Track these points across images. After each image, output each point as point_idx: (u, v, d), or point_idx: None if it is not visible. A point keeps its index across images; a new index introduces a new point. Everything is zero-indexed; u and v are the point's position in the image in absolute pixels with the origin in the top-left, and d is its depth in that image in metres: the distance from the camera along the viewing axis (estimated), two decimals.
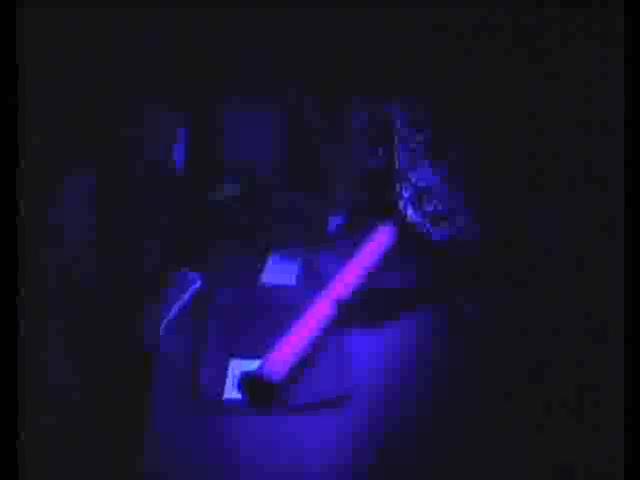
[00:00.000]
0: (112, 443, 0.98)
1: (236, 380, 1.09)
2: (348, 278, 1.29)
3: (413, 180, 1.42)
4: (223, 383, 1.10)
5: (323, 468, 0.97)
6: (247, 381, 1.08)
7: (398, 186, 1.45)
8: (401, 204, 1.45)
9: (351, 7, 1.34)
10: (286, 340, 1.14)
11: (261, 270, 1.36)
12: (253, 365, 1.10)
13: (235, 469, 0.97)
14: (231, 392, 1.08)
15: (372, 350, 1.18)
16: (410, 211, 1.43)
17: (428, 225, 1.40)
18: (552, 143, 1.20)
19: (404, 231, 1.42)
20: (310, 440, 1.01)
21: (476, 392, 1.10)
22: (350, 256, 1.34)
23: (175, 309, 1.24)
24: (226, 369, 1.12)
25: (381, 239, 1.40)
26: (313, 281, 1.33)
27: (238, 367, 1.12)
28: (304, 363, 1.13)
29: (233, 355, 1.15)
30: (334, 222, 1.47)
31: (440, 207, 1.39)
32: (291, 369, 1.10)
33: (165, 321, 1.21)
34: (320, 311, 1.21)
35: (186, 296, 1.27)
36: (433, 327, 1.25)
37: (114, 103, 1.26)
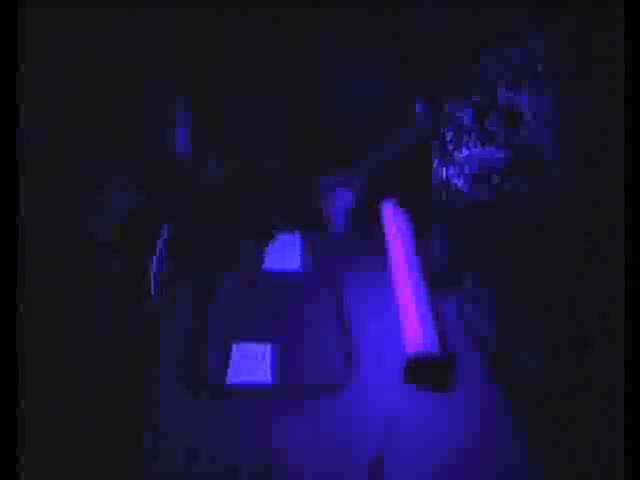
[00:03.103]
0: (113, 434, 0.99)
1: (405, 375, 1.10)
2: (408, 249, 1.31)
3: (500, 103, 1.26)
4: (226, 368, 1.10)
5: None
6: (416, 370, 1.09)
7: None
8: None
9: None
10: (414, 318, 1.15)
11: (264, 254, 1.36)
12: (258, 348, 1.12)
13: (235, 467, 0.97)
14: (234, 377, 1.08)
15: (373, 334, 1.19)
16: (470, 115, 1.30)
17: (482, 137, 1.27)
18: None
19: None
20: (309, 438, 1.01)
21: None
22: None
23: (154, 262, 1.26)
24: (230, 354, 1.12)
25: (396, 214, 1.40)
26: (316, 264, 1.33)
27: (242, 351, 1.12)
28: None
29: (237, 339, 1.15)
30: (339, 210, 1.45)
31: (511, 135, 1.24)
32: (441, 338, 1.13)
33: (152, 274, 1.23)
34: (417, 282, 1.23)
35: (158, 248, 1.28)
36: None
37: (116, 93, 1.25)
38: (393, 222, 1.37)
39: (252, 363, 1.10)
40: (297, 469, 0.95)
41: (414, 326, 1.12)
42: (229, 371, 1.09)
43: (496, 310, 1.18)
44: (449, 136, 1.31)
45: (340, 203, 1.44)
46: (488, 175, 1.24)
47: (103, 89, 1.24)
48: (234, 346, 1.13)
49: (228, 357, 1.11)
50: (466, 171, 1.28)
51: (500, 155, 1.22)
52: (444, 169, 1.33)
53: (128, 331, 1.13)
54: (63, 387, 1.00)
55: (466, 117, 1.29)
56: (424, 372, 1.09)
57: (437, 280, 1.26)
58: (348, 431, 1.01)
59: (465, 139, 1.28)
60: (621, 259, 0.83)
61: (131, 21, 1.27)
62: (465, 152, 1.28)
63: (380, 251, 1.34)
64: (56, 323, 1.02)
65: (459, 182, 1.29)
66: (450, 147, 1.31)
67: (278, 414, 1.03)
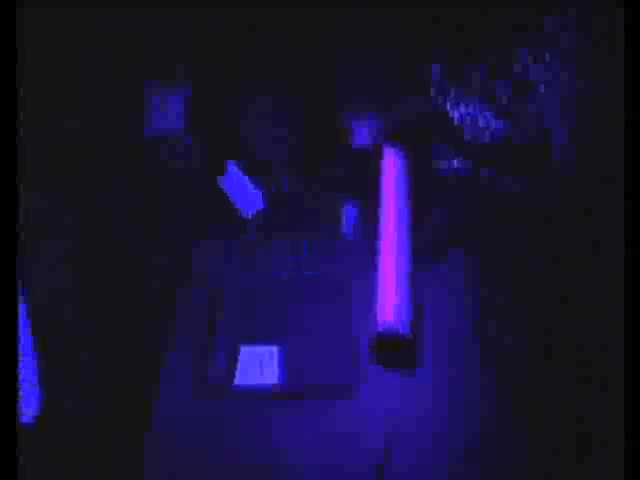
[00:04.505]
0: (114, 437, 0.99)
1: (367, 347, 1.11)
2: (396, 204, 1.27)
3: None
4: (234, 370, 1.10)
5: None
6: (378, 344, 1.09)
7: None
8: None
9: None
10: (387, 284, 1.14)
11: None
12: (266, 351, 1.12)
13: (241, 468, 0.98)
14: (242, 379, 1.08)
15: None
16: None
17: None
18: None
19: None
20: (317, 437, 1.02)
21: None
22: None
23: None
24: (237, 356, 1.12)
25: (395, 162, 1.35)
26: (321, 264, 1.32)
27: (249, 355, 1.12)
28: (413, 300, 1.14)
29: (245, 342, 1.14)
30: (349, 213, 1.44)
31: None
32: (410, 314, 1.11)
33: None
34: (397, 242, 1.21)
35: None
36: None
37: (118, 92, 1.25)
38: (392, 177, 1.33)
39: (256, 364, 1.11)
40: (298, 469, 0.96)
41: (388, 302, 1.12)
42: (235, 372, 1.09)
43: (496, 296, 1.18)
44: (452, 92, 1.28)
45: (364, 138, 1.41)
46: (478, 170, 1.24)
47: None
48: (238, 348, 1.13)
49: (233, 358, 1.11)
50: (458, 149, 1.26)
51: (499, 125, 1.21)
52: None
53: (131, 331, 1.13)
54: (63, 388, 1.00)
55: (473, 79, 1.26)
56: (390, 351, 1.10)
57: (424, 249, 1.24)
58: (349, 431, 1.02)
59: (466, 99, 1.26)
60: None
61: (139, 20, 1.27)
62: (463, 109, 1.26)
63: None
64: (57, 324, 1.03)
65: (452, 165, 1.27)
66: (449, 105, 1.29)
67: (281, 414, 1.03)
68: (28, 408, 0.95)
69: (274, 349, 1.12)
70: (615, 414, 0.86)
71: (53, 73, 1.12)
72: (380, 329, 1.09)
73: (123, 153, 1.30)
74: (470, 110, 1.27)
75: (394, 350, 1.10)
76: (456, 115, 1.27)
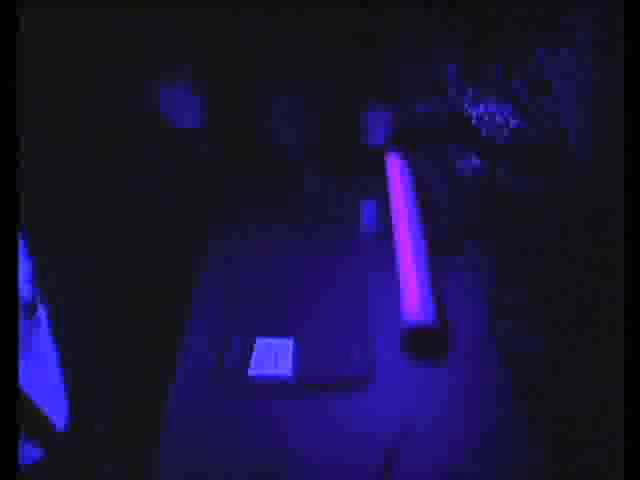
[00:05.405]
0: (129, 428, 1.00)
1: (402, 342, 1.13)
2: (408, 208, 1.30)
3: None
4: (248, 362, 1.11)
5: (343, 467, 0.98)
6: (410, 338, 1.12)
7: None
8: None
9: None
10: (411, 282, 1.16)
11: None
12: (281, 343, 1.13)
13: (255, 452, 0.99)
14: (256, 370, 1.10)
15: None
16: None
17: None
18: None
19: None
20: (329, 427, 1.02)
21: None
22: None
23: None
24: (252, 348, 1.13)
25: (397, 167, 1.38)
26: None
27: (264, 346, 1.14)
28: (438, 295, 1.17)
29: (260, 334, 1.16)
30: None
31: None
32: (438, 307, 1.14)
33: None
34: (415, 240, 1.23)
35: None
36: None
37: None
38: (398, 177, 1.35)
39: (271, 356, 1.12)
40: (298, 470, 0.97)
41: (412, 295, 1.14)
42: (249, 364, 1.11)
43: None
44: (469, 92, 1.29)
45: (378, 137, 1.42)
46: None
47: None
48: (253, 340, 1.13)
49: (247, 350, 1.12)
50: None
51: (516, 124, 1.20)
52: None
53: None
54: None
55: (490, 78, 1.27)
56: (422, 342, 1.12)
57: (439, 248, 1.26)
58: (350, 431, 1.02)
59: (484, 96, 1.27)
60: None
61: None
62: (481, 108, 1.27)
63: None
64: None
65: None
66: (467, 104, 1.29)
67: (286, 412, 1.04)
68: (58, 419, 0.97)
69: (289, 342, 1.13)
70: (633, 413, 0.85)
71: (61, 73, 1.14)
72: (410, 324, 1.11)
73: (135, 148, 1.31)
74: (488, 109, 1.27)
75: (426, 343, 1.12)
76: (474, 114, 1.27)
